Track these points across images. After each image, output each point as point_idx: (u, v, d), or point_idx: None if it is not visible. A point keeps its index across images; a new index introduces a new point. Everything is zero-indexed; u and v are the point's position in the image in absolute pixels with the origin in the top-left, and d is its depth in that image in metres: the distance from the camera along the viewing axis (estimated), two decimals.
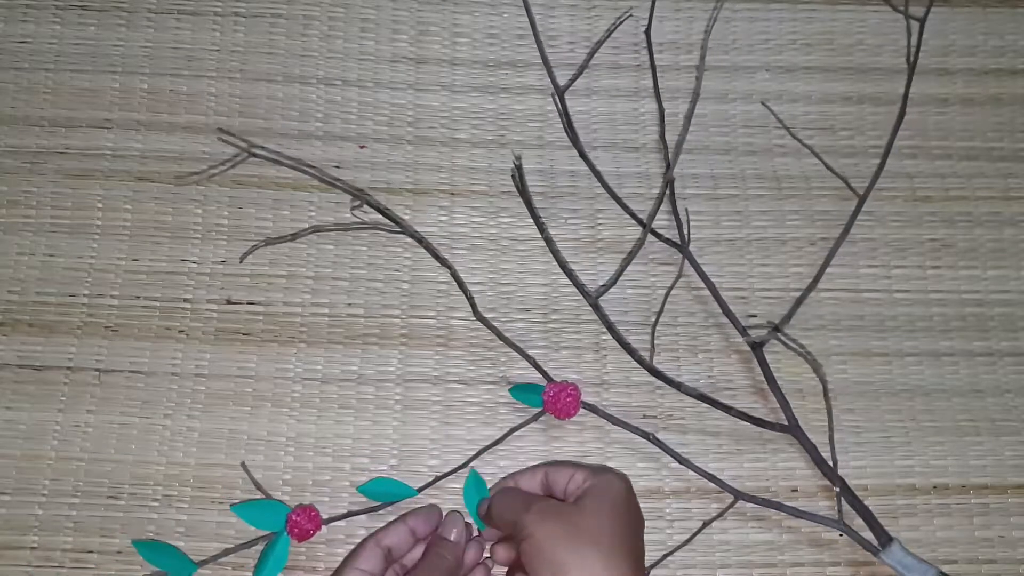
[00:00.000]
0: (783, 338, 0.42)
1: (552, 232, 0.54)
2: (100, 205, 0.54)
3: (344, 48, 0.57)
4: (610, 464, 0.50)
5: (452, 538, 0.46)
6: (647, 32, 0.50)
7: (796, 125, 0.56)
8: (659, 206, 0.48)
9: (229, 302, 0.52)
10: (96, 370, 0.51)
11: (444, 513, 0.47)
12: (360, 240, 0.53)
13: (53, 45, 0.56)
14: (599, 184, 0.55)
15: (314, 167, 0.53)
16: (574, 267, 0.53)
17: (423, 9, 0.58)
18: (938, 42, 0.58)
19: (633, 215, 0.50)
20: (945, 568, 0.49)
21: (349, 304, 0.52)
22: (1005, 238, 0.55)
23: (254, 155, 0.51)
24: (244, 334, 0.52)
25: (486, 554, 0.47)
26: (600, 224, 0.54)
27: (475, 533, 0.47)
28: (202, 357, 0.51)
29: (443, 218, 0.54)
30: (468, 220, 0.54)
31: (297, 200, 0.54)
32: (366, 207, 0.49)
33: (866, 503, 0.50)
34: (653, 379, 0.51)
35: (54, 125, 0.55)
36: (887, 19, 0.59)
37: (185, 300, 0.52)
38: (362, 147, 0.55)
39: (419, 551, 0.46)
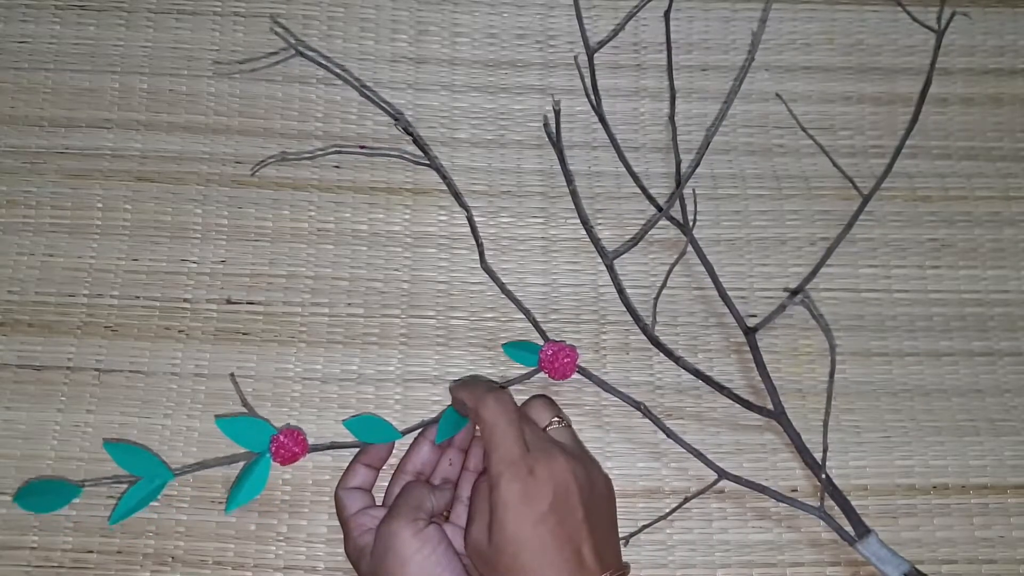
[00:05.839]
0: (807, 303, 0.42)
1: (552, 232, 0.54)
2: (100, 205, 0.54)
3: (344, 48, 0.57)
4: (608, 464, 0.50)
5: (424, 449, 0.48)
6: (666, 14, 0.50)
7: (797, 125, 0.56)
8: (680, 190, 0.48)
9: (229, 302, 0.52)
10: (96, 370, 0.51)
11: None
12: (360, 240, 0.53)
13: (52, 45, 0.56)
14: (599, 184, 0.55)
15: (357, 79, 0.54)
16: (574, 267, 0.53)
17: (423, 9, 0.58)
18: None
19: (648, 194, 0.50)
20: (945, 568, 0.49)
21: (349, 304, 0.52)
22: (1005, 238, 0.55)
23: (301, 54, 0.50)
24: (244, 334, 0.52)
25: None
26: (600, 224, 0.54)
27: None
28: (202, 357, 0.51)
29: (443, 218, 0.54)
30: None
31: (297, 200, 0.54)
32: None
33: (866, 503, 0.50)
34: (651, 379, 0.51)
35: (54, 125, 0.55)
36: (887, 19, 0.59)
37: (185, 300, 0.52)
38: (362, 147, 0.55)
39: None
